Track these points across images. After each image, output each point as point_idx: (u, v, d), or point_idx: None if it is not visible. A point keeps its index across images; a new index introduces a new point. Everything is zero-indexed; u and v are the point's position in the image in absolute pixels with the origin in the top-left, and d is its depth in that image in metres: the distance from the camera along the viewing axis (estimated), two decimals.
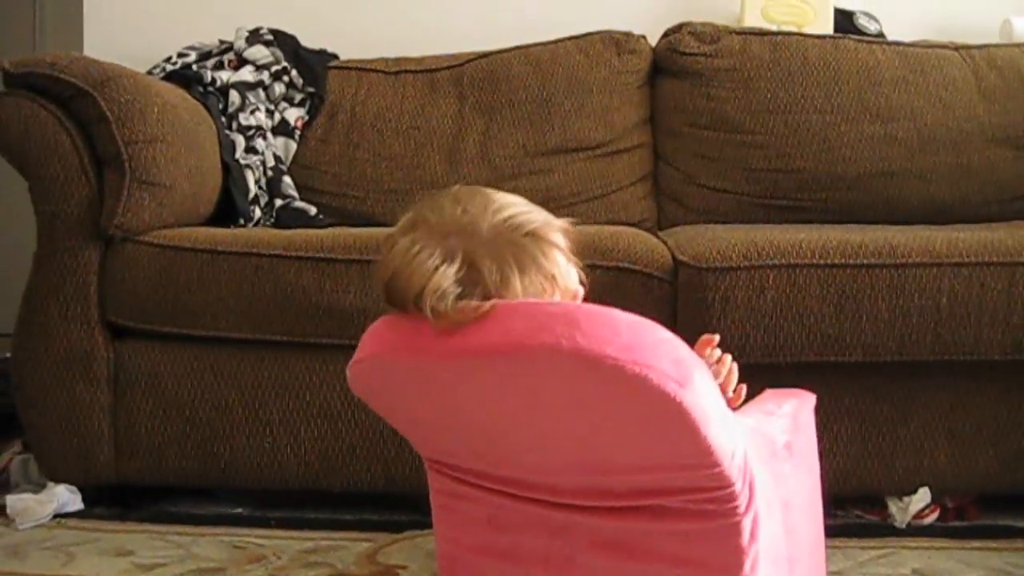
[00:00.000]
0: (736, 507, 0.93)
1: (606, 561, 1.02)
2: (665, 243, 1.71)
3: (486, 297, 0.96)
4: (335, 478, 1.68)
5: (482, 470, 1.07)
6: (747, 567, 0.95)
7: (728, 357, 1.19)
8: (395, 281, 0.99)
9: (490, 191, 1.05)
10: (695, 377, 0.89)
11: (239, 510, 1.74)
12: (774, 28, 2.33)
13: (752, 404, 1.23)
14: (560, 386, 0.93)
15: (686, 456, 0.91)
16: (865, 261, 1.54)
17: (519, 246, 0.99)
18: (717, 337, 1.21)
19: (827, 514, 1.67)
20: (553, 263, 1.01)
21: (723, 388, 1.14)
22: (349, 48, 2.39)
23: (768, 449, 1.10)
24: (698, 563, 0.98)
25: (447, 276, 0.95)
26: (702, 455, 0.90)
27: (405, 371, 1.02)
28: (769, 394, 1.28)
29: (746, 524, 0.94)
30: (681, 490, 0.95)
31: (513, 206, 1.02)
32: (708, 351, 1.18)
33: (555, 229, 1.04)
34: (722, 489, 0.92)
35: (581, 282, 1.09)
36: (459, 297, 0.95)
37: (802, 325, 1.54)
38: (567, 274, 1.05)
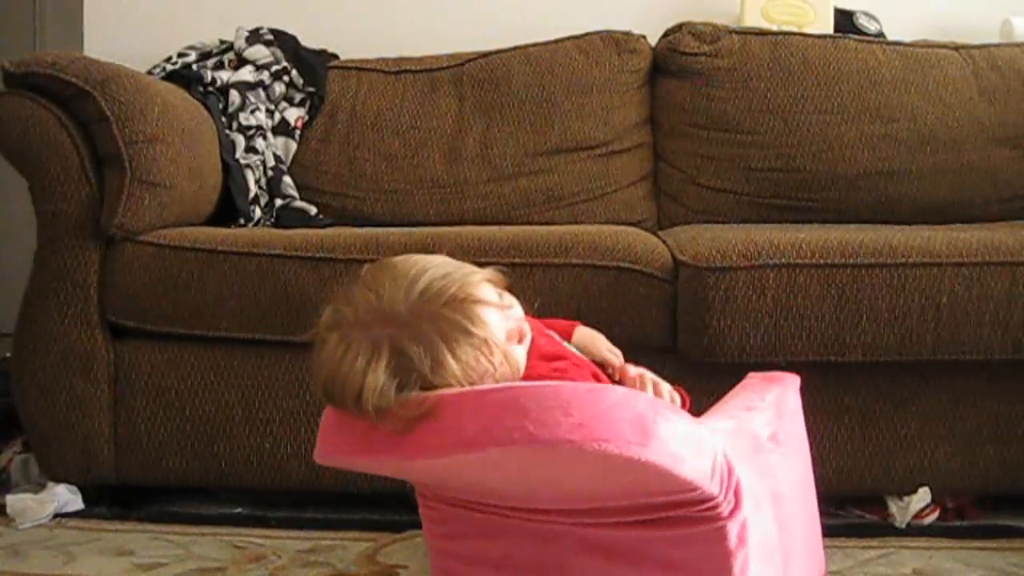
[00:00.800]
0: (720, 513, 0.94)
1: (597, 566, 1.03)
2: (665, 243, 1.71)
3: (424, 381, 0.94)
4: (335, 478, 1.68)
5: (469, 500, 1.08)
6: (736, 569, 0.95)
7: (646, 374, 1.16)
8: (331, 386, 0.98)
9: (400, 262, 1.02)
10: (658, 430, 0.87)
11: (239, 510, 1.74)
12: (774, 28, 2.33)
13: (735, 395, 1.23)
14: (528, 464, 0.92)
15: (665, 488, 0.92)
16: (865, 261, 1.54)
17: (442, 319, 0.97)
18: (618, 360, 1.19)
19: (827, 514, 1.68)
20: (482, 325, 0.99)
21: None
22: (349, 48, 2.40)
23: (752, 446, 1.10)
24: (687, 567, 0.98)
25: (379, 372, 0.94)
26: (680, 487, 0.91)
27: (369, 465, 1.02)
28: (752, 380, 1.28)
29: (732, 528, 0.95)
30: (664, 506, 0.95)
31: (426, 274, 0.99)
32: (629, 377, 1.16)
33: (475, 285, 1.01)
34: (705, 503, 0.93)
35: (527, 312, 1.08)
36: (398, 388, 0.94)
37: (802, 325, 1.54)
38: (501, 328, 1.02)
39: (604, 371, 1.26)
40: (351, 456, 1.00)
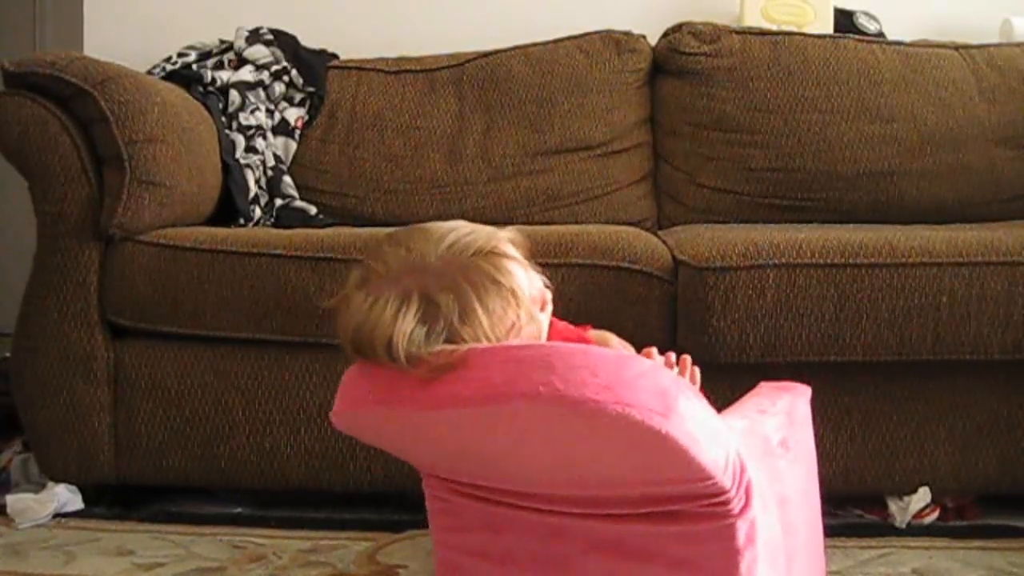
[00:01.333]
0: (731, 510, 0.94)
1: (603, 562, 1.03)
2: (665, 243, 1.71)
3: (452, 330, 0.95)
4: (335, 478, 1.68)
5: (476, 483, 1.08)
6: (743, 568, 0.95)
7: (687, 360, 1.16)
8: (359, 336, 0.98)
9: (429, 224, 1.05)
10: (679, 405, 0.88)
11: (239, 510, 1.74)
12: (774, 28, 2.33)
13: (746, 400, 1.23)
14: (546, 427, 0.93)
15: (678, 474, 0.92)
16: (865, 261, 1.54)
17: (471, 268, 0.98)
18: (654, 350, 1.20)
19: (827, 514, 1.67)
20: (509, 276, 1.00)
21: None
22: (349, 48, 2.40)
23: (762, 448, 1.10)
24: (695, 564, 0.98)
25: (408, 319, 0.95)
26: (694, 473, 0.90)
27: (388, 420, 1.02)
28: (764, 388, 1.28)
29: (741, 526, 0.94)
30: (675, 498, 0.95)
31: (454, 231, 1.02)
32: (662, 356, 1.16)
33: (502, 241, 1.03)
34: (717, 496, 0.93)
35: (546, 285, 1.09)
36: (427, 336, 0.95)
37: (802, 325, 1.54)
38: (527, 283, 1.03)
39: None
40: (372, 407, 1.00)
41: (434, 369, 0.94)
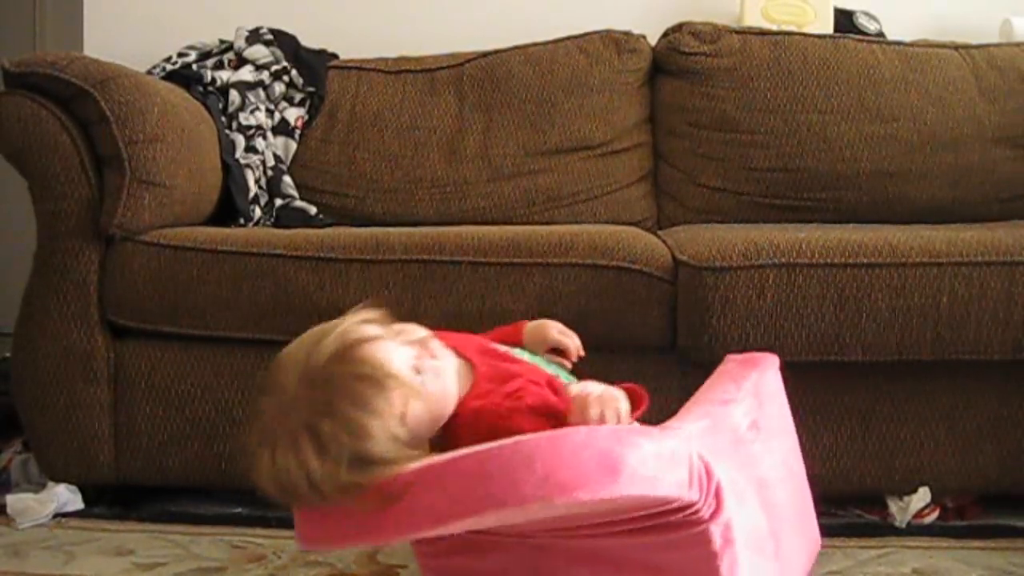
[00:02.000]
0: (702, 517, 0.93)
1: (586, 572, 1.02)
2: (665, 243, 1.71)
3: (354, 449, 0.92)
4: None
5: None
6: (724, 570, 0.95)
7: (589, 392, 1.05)
8: (282, 490, 0.96)
9: (281, 354, 1.01)
10: (628, 461, 0.86)
11: (239, 510, 1.74)
12: (774, 28, 2.33)
13: (713, 386, 1.20)
14: (508, 517, 0.92)
15: (644, 508, 0.91)
16: (865, 261, 1.54)
17: (333, 381, 0.95)
18: (573, 342, 1.17)
19: (827, 514, 1.68)
20: (373, 364, 0.96)
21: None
22: (349, 48, 2.40)
23: (732, 440, 1.09)
24: (676, 569, 0.98)
25: (311, 459, 0.93)
26: (659, 504, 0.90)
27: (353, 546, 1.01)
28: (729, 366, 1.26)
29: (715, 530, 0.94)
30: (647, 517, 0.94)
31: (302, 348, 0.98)
32: (574, 398, 1.07)
33: (352, 329, 0.98)
34: (686, 509, 0.92)
35: (432, 328, 1.05)
36: (337, 464, 0.92)
37: (802, 325, 1.54)
38: (398, 355, 0.99)
39: (561, 355, 1.24)
40: (335, 543, 1.00)
41: (382, 500, 0.92)
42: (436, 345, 1.05)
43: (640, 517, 0.94)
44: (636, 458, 0.86)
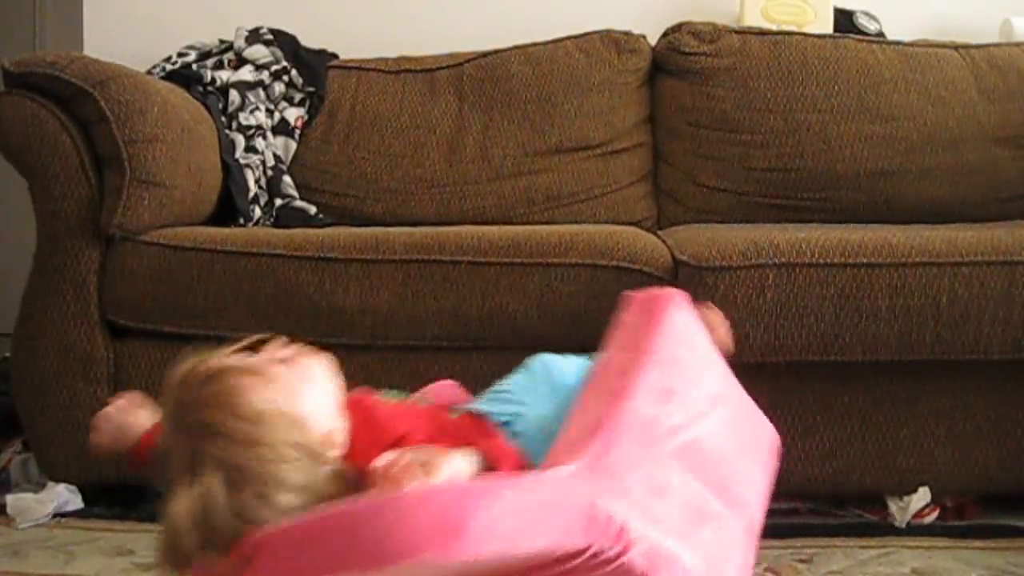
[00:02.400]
0: (609, 559, 0.85)
1: None
2: (665, 242, 1.71)
3: (249, 505, 0.88)
4: None
5: None
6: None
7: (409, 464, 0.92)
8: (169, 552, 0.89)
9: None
10: (474, 523, 0.79)
11: None
12: (774, 28, 2.33)
13: (607, 371, 1.09)
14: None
15: (539, 559, 0.84)
16: (865, 261, 1.54)
17: (202, 438, 0.93)
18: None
19: (827, 514, 1.68)
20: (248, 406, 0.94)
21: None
22: (349, 48, 2.39)
23: (642, 436, 1.00)
24: None
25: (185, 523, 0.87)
26: (540, 558, 0.83)
27: None
28: (627, 326, 1.15)
29: (635, 559, 0.86)
30: (555, 563, 0.85)
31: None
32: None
33: (222, 375, 0.97)
34: (583, 554, 0.84)
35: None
36: (235, 516, 0.87)
37: (802, 325, 1.54)
38: (262, 390, 0.96)
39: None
40: None
41: (237, 565, 0.86)
42: (314, 368, 1.04)
43: (549, 563, 0.85)
44: (486, 515, 0.80)
